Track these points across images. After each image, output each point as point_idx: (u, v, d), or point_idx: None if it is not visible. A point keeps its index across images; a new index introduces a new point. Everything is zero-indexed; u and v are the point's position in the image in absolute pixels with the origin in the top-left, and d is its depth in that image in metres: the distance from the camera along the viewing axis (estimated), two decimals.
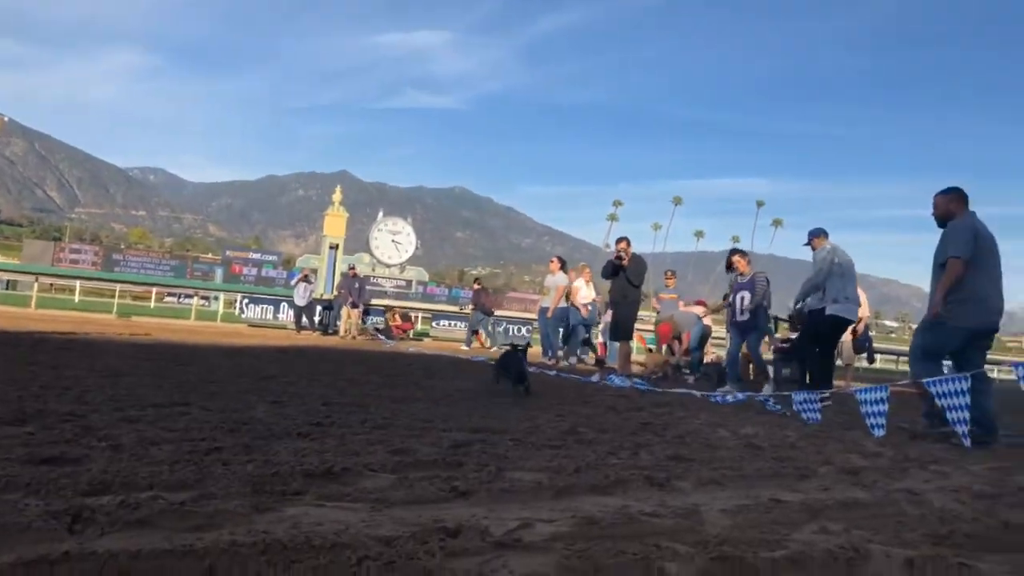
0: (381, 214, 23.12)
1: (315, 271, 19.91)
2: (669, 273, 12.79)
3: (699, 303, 11.86)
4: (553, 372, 8.87)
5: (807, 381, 7.27)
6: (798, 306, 8.09)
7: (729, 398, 6.69)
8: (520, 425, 3.99)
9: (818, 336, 7.25)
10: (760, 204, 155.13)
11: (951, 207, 5.18)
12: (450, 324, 20.83)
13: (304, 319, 16.66)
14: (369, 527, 1.93)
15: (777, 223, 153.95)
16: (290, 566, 1.62)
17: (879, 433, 4.79)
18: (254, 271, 57.23)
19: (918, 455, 4.21)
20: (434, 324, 20.84)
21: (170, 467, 2.38)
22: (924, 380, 4.93)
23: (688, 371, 10.37)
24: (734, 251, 8.79)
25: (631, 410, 5.35)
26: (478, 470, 2.74)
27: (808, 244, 7.66)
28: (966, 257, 4.91)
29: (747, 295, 8.38)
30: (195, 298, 19.92)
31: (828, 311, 7.00)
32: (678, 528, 2.19)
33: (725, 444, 4.01)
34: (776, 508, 2.55)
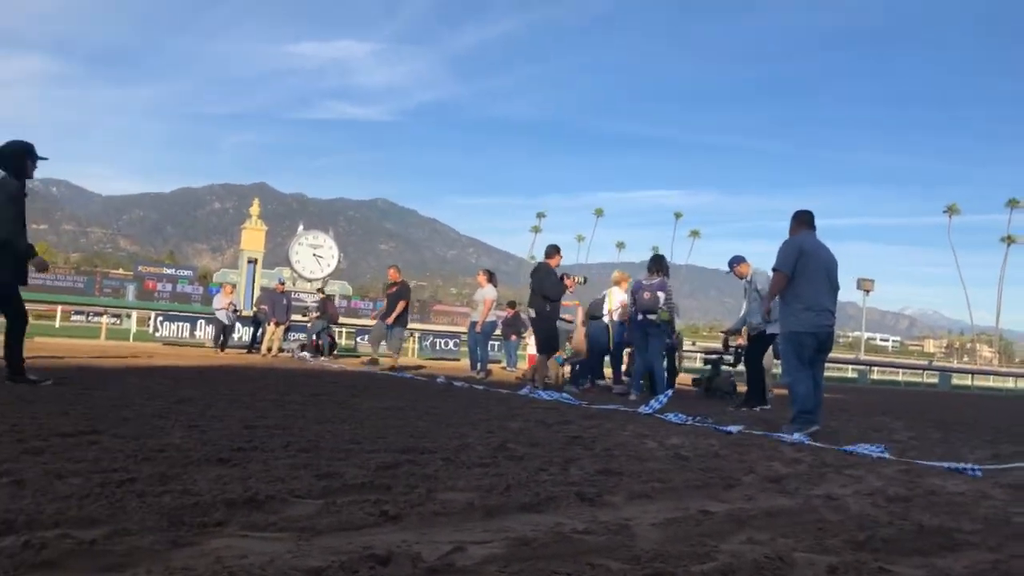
0: (301, 227, 22.64)
1: (235, 286, 19.30)
2: (570, 278, 12.95)
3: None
4: (481, 387, 8.83)
5: (733, 392, 7.86)
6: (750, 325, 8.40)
7: (655, 403, 6.79)
8: (449, 443, 3.94)
9: (759, 352, 8.14)
10: (678, 216, 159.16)
11: (792, 227, 6.03)
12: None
13: (223, 337, 16.12)
14: (297, 558, 1.86)
15: (695, 234, 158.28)
16: None
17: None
18: (169, 287, 55.05)
19: (834, 460, 4.37)
20: (359, 340, 20.45)
21: (79, 502, 2.24)
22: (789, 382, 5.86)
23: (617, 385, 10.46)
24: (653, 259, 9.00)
25: (560, 423, 5.37)
26: (407, 492, 2.69)
27: (730, 271, 8.39)
28: (786, 271, 5.69)
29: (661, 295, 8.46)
30: (104, 316, 18.91)
31: (770, 330, 7.60)
32: (610, 545, 2.19)
33: (653, 455, 4.07)
34: (705, 520, 2.59)
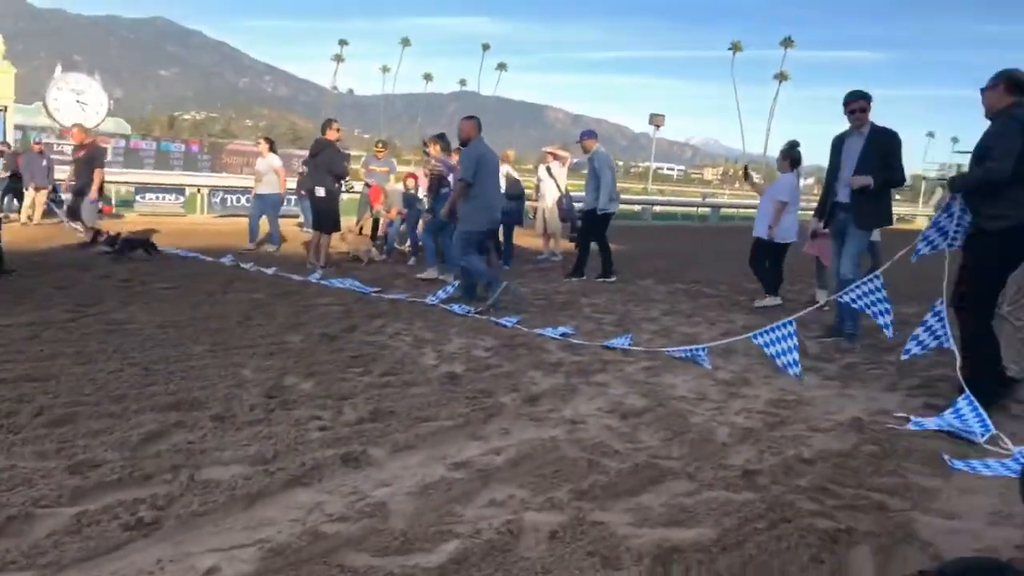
0: (59, 69, 19.79)
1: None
2: (379, 145, 12.77)
3: (411, 176, 11.92)
4: (271, 270, 8.61)
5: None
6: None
7: (442, 293, 7.06)
8: (222, 386, 3.93)
9: (595, 230, 8.88)
10: (486, 47, 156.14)
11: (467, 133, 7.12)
12: (159, 198, 18.88)
13: None
14: None
15: (502, 67, 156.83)
16: None
17: None
18: None
19: (588, 360, 4.87)
20: (139, 198, 18.63)
21: None
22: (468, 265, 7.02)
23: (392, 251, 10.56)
24: (434, 136, 9.05)
25: (345, 332, 5.47)
26: (169, 481, 2.73)
27: (580, 143, 8.77)
28: (468, 179, 6.87)
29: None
30: None
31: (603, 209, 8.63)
32: (362, 534, 2.41)
33: (427, 377, 4.32)
34: (456, 479, 2.88)
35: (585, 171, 9.61)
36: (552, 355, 5.06)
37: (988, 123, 4.11)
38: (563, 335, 5.64)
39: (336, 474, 2.88)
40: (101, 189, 10.62)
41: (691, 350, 5.07)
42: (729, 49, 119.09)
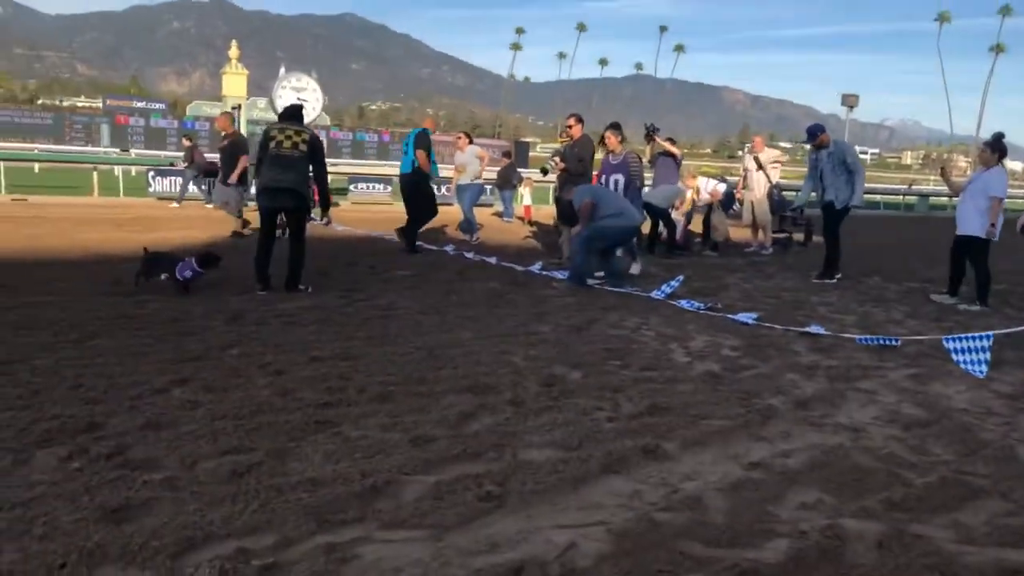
0: (283, 70, 21.66)
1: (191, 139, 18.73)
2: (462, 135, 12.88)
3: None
4: (493, 259, 9.08)
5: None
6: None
7: (667, 288, 7.13)
8: (502, 373, 4.26)
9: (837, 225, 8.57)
10: (663, 29, 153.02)
11: None
12: (370, 187, 20.32)
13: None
14: (442, 566, 2.22)
15: (679, 49, 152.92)
16: None
17: None
18: (142, 122, 52.67)
19: (845, 366, 4.76)
20: (352, 188, 20.19)
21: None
22: None
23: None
24: (609, 126, 8.91)
25: (587, 324, 5.70)
26: (496, 458, 3.03)
27: (816, 143, 8.45)
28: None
29: (620, 179, 8.64)
30: (95, 172, 18.56)
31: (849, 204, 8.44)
32: (690, 523, 2.57)
33: (687, 374, 4.44)
34: (759, 478, 2.97)
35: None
36: (803, 357, 4.99)
37: None
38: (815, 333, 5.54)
39: (640, 464, 3.07)
40: (244, 176, 10.73)
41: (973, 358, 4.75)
42: (935, 20, 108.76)
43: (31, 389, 3.58)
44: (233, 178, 10.52)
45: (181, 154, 20.44)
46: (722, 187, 11.54)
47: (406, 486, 2.75)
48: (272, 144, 6.33)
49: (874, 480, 3.01)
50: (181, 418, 3.30)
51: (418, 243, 9.73)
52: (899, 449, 3.38)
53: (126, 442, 3.00)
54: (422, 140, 9.61)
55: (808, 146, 8.71)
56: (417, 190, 9.70)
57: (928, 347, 5.28)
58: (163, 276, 6.00)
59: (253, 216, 8.22)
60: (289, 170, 6.28)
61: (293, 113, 6.70)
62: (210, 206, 13.85)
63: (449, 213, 12.98)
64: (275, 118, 21.61)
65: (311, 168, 6.51)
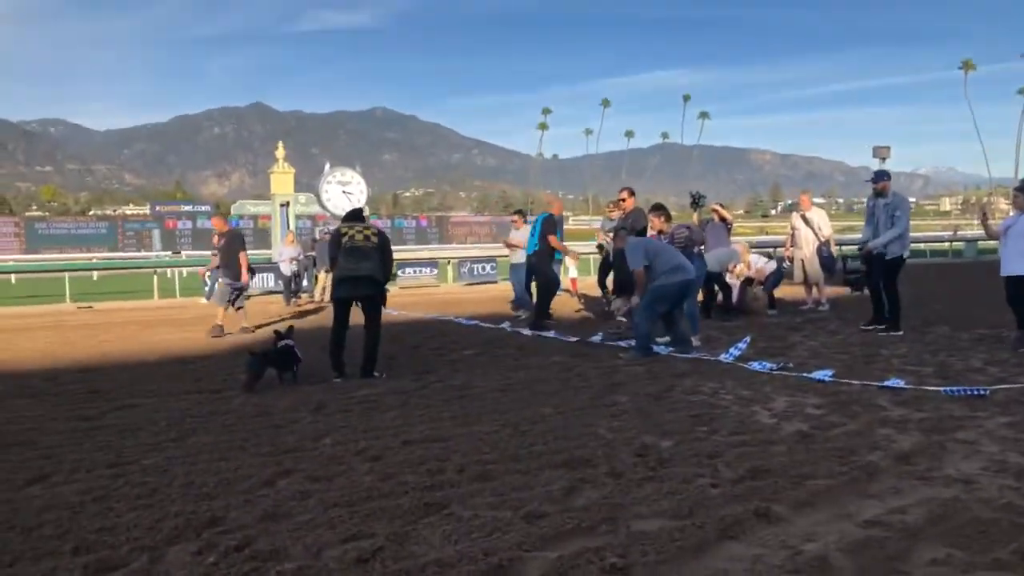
0: (328, 166, 22.65)
1: (293, 233, 19.37)
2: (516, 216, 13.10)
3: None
4: (550, 333, 9.16)
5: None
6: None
7: (735, 350, 7.10)
8: (592, 445, 4.29)
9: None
10: (687, 98, 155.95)
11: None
12: (417, 272, 20.77)
13: (293, 285, 16.35)
14: None
15: (704, 115, 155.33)
16: None
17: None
18: (189, 224, 54.99)
19: (935, 416, 4.68)
20: (400, 272, 20.66)
21: None
22: None
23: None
24: (652, 209, 8.87)
25: (664, 392, 5.71)
26: (611, 531, 3.04)
27: (878, 188, 8.54)
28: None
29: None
30: (155, 276, 19.30)
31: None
32: None
33: (779, 436, 4.41)
34: (882, 536, 2.93)
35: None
36: (890, 411, 4.93)
37: None
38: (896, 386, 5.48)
39: (755, 528, 3.05)
40: (250, 270, 10.82)
41: None
42: (959, 68, 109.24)
43: (148, 488, 3.71)
44: (244, 277, 10.61)
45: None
46: (771, 266, 11.52)
47: (529, 563, 2.78)
48: (345, 239, 6.63)
49: (999, 531, 2.95)
50: (295, 508, 3.39)
51: (550, 319, 10.05)
52: (1016, 499, 3.30)
53: (250, 535, 3.08)
54: (547, 225, 10.02)
55: (872, 189, 8.72)
56: (537, 270, 10.14)
57: (1018, 394, 5.18)
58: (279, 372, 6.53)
59: (253, 311, 8.44)
60: (365, 260, 6.57)
61: (356, 214, 7.08)
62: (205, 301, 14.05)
63: (501, 289, 13.15)
64: (318, 211, 22.54)
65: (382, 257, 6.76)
